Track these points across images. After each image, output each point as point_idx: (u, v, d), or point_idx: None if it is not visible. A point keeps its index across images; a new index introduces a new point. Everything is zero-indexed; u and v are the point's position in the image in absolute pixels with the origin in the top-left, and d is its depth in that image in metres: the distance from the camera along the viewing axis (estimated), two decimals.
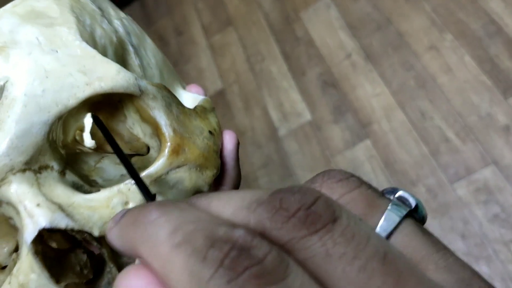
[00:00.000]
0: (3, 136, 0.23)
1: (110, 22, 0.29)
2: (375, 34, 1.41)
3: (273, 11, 1.62)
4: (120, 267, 0.26)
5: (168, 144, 0.26)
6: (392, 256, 0.14)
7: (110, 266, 0.25)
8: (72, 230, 0.24)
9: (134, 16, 1.94)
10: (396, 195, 0.18)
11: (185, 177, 0.27)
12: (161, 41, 1.81)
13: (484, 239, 1.07)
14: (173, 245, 0.14)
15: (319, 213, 0.15)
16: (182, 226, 0.14)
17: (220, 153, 0.30)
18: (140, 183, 0.22)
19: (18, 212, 0.23)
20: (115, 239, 0.16)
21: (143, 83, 0.27)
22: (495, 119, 1.17)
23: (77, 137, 0.29)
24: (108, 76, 0.25)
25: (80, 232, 0.24)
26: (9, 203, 0.23)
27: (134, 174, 0.23)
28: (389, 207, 0.17)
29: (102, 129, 0.25)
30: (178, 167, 0.26)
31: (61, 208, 0.23)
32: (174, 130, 0.27)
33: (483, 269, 1.04)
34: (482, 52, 1.25)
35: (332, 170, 0.18)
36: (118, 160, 0.28)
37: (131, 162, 0.24)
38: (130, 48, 0.31)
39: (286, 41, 1.55)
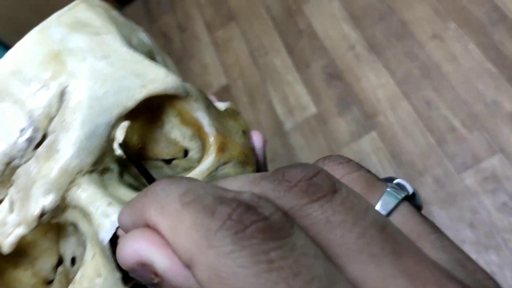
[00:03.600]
0: (72, 138, 0.23)
1: (138, 34, 0.30)
2: (378, 25, 1.41)
3: (275, 4, 1.62)
4: None
5: (214, 142, 0.27)
6: (391, 229, 0.15)
7: None
8: None
9: (137, 13, 1.94)
10: (394, 182, 0.19)
11: (232, 172, 0.28)
12: (164, 38, 1.81)
13: (493, 228, 1.07)
14: (183, 203, 0.14)
15: (320, 184, 0.15)
16: (192, 189, 0.14)
17: None
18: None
19: (88, 214, 0.23)
20: (124, 216, 0.16)
21: (187, 85, 0.27)
22: (501, 107, 1.16)
23: None
24: (159, 78, 0.25)
25: None
26: (77, 207, 0.24)
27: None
28: (387, 189, 0.17)
29: (126, 154, 0.26)
30: (225, 163, 0.27)
31: None
32: (217, 129, 0.27)
33: (492, 258, 1.04)
34: (486, 40, 1.24)
35: (332, 155, 0.19)
36: (158, 164, 0.29)
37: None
38: (159, 58, 0.31)
39: (289, 34, 1.54)
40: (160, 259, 0.14)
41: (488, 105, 1.18)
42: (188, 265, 0.14)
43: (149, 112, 0.28)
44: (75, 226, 0.25)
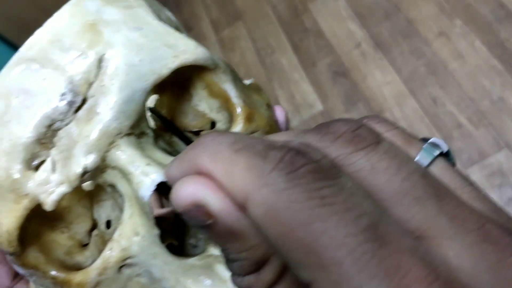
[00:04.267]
0: (111, 101, 0.24)
1: (165, 11, 0.31)
2: (384, 23, 1.42)
3: (281, 3, 1.63)
4: None
5: (241, 113, 0.28)
6: (431, 176, 0.16)
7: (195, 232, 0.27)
8: None
9: None
10: (429, 141, 0.20)
11: None
12: None
13: None
14: (235, 150, 0.15)
15: (364, 135, 0.16)
16: (241, 139, 0.15)
17: None
18: None
19: (127, 174, 0.24)
20: (173, 168, 0.17)
21: (215, 58, 0.28)
22: (507, 103, 1.17)
23: None
24: (190, 49, 0.26)
25: None
26: (116, 167, 0.25)
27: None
28: (424, 146, 0.18)
29: (159, 117, 0.27)
30: (252, 132, 0.28)
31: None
32: (244, 101, 0.28)
33: None
34: (492, 37, 1.25)
35: (370, 115, 0.19)
36: (187, 136, 0.30)
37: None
38: (184, 33, 0.32)
39: (295, 33, 1.55)
40: (215, 201, 0.15)
41: (494, 102, 1.19)
42: (242, 205, 0.15)
43: (177, 85, 0.29)
44: (113, 187, 0.26)
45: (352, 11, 1.48)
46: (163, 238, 0.25)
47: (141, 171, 0.24)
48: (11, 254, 0.26)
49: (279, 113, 0.33)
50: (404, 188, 0.15)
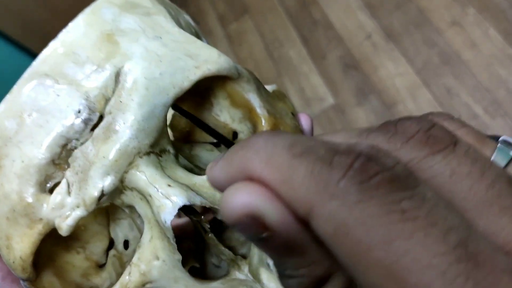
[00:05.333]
0: (130, 119, 0.22)
1: (183, 15, 0.29)
2: (394, 13, 1.39)
3: None
4: (229, 248, 0.26)
5: (265, 125, 0.26)
6: None
7: (220, 249, 0.25)
8: (205, 207, 0.24)
9: None
10: (500, 139, 0.18)
11: None
12: None
13: None
14: (294, 155, 0.13)
15: (439, 136, 0.15)
16: (299, 141, 0.14)
17: None
18: (229, 144, 0.22)
19: (147, 196, 0.23)
20: (218, 171, 0.15)
21: (239, 67, 0.26)
22: None
23: None
24: (212, 59, 0.25)
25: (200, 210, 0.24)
26: (135, 188, 0.23)
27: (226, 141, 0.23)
28: (499, 145, 0.16)
29: (184, 113, 0.25)
30: None
31: (189, 188, 0.23)
32: (268, 111, 0.27)
33: None
34: (507, 25, 1.22)
35: (435, 111, 0.18)
36: (208, 147, 0.28)
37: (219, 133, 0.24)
38: (203, 40, 0.31)
39: (303, 25, 1.53)
40: (272, 212, 0.13)
41: (510, 91, 1.16)
42: (304, 218, 0.13)
43: (197, 94, 0.27)
44: (131, 208, 0.24)
45: (362, 1, 1.45)
46: (185, 260, 0.24)
47: (162, 193, 0.22)
48: (25, 280, 0.24)
49: (304, 121, 0.31)
50: (489, 196, 0.13)
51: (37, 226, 0.23)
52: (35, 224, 0.23)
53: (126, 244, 0.27)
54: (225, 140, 0.24)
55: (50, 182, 0.23)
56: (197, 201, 0.23)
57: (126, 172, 0.23)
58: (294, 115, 0.30)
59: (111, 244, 0.28)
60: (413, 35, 1.34)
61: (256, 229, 0.13)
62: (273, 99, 0.29)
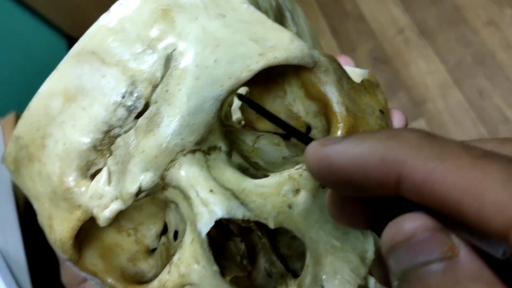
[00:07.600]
0: (174, 112, 0.20)
1: None
2: (429, 9, 1.35)
3: None
4: (280, 257, 0.24)
5: (341, 125, 0.23)
6: None
7: (272, 258, 0.24)
8: (248, 221, 0.21)
9: None
10: None
11: None
12: None
13: None
14: (475, 156, 0.12)
15: None
16: (469, 143, 0.12)
17: None
18: (305, 139, 0.19)
19: (187, 198, 0.21)
20: (343, 150, 0.14)
21: (316, 54, 0.23)
22: None
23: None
24: (282, 45, 0.22)
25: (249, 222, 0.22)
26: (177, 187, 0.21)
27: (300, 135, 0.20)
28: None
29: (250, 103, 0.22)
30: None
31: (234, 195, 0.21)
32: (347, 109, 0.23)
33: None
34: None
35: None
36: (275, 141, 0.25)
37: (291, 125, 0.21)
38: (287, 14, 0.27)
39: (334, 16, 1.50)
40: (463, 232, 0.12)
41: None
42: (498, 235, 0.11)
43: (269, 79, 0.25)
44: (176, 204, 0.23)
45: None
46: (227, 270, 0.22)
47: (202, 199, 0.20)
48: (68, 260, 0.23)
49: (397, 119, 0.28)
50: None
51: (76, 212, 0.22)
52: (74, 210, 0.22)
53: (175, 234, 0.25)
54: (299, 134, 0.20)
55: (92, 168, 0.22)
56: (239, 213, 0.21)
57: (167, 169, 0.21)
58: (384, 112, 0.26)
59: (165, 229, 0.26)
60: (447, 32, 1.30)
61: (441, 250, 0.12)
62: (358, 93, 0.26)
